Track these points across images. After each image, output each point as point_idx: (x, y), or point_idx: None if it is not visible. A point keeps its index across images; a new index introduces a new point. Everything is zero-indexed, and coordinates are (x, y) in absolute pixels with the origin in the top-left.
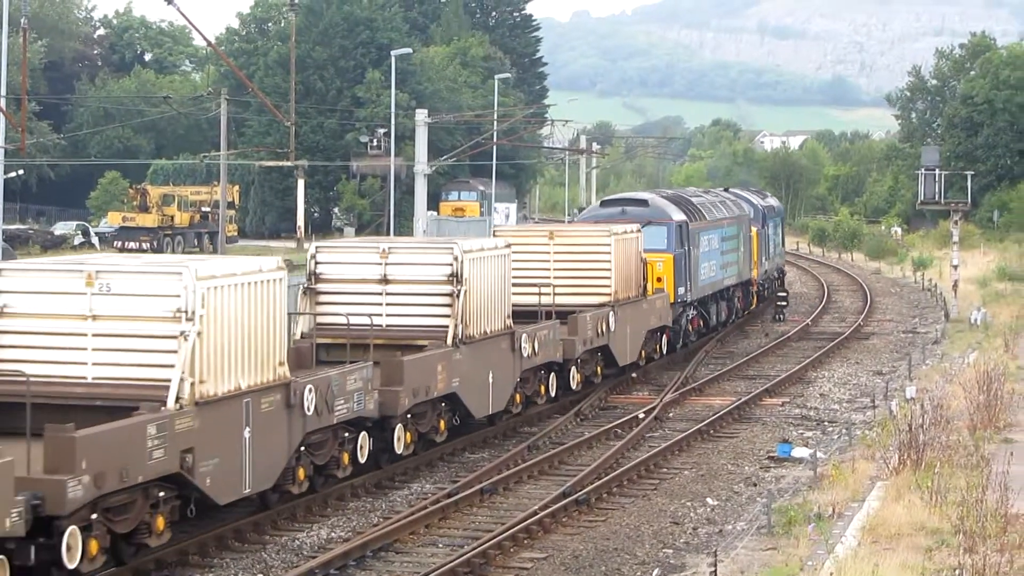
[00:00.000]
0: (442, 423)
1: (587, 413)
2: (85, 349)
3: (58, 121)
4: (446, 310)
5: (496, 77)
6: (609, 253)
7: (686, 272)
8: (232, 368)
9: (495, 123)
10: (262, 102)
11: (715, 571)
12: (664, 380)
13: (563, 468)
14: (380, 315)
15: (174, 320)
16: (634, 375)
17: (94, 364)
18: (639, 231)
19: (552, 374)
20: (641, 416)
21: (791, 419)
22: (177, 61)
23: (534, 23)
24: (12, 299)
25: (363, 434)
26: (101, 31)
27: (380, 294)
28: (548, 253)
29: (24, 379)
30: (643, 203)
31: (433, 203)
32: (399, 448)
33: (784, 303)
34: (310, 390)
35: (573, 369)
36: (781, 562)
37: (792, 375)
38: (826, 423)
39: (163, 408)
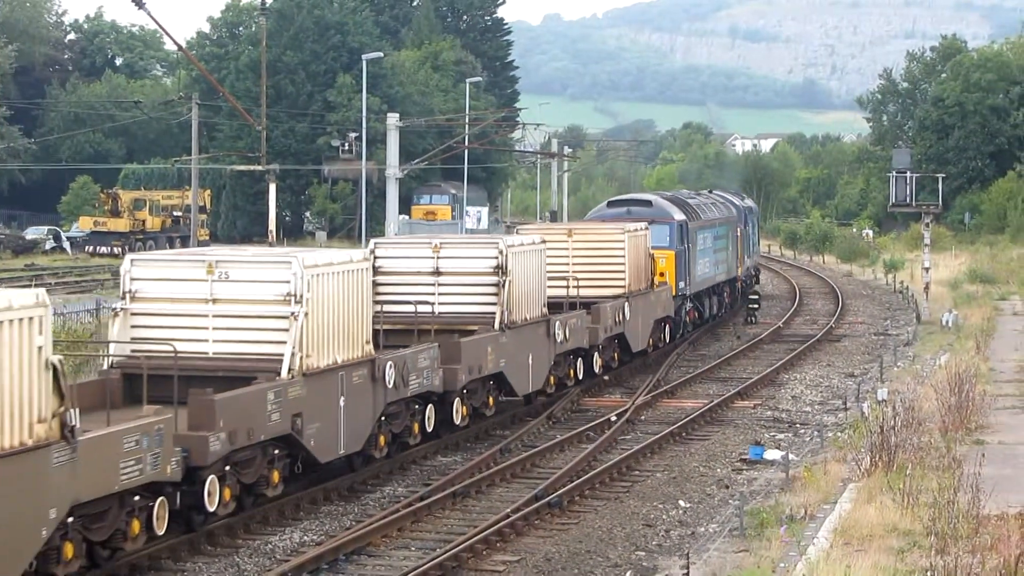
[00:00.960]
0: (491, 399)
1: (559, 416)
2: (206, 328)
3: (29, 126)
4: (493, 298)
5: (467, 81)
6: (623, 249)
7: (685, 268)
8: (330, 345)
9: (466, 127)
10: (233, 106)
11: (687, 573)
12: (636, 383)
13: (535, 471)
14: (433, 303)
15: (285, 303)
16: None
17: (214, 341)
18: (647, 229)
19: (579, 359)
20: (613, 419)
21: (763, 421)
22: (148, 65)
23: (505, 27)
24: (142, 285)
25: (430, 406)
26: (72, 35)
27: (433, 284)
28: (567, 249)
29: (173, 354)
30: (647, 204)
31: (405, 207)
32: (457, 419)
33: (756, 306)
34: (391, 366)
35: (596, 354)
36: (753, 564)
37: (764, 377)
38: (798, 425)
39: (277, 378)
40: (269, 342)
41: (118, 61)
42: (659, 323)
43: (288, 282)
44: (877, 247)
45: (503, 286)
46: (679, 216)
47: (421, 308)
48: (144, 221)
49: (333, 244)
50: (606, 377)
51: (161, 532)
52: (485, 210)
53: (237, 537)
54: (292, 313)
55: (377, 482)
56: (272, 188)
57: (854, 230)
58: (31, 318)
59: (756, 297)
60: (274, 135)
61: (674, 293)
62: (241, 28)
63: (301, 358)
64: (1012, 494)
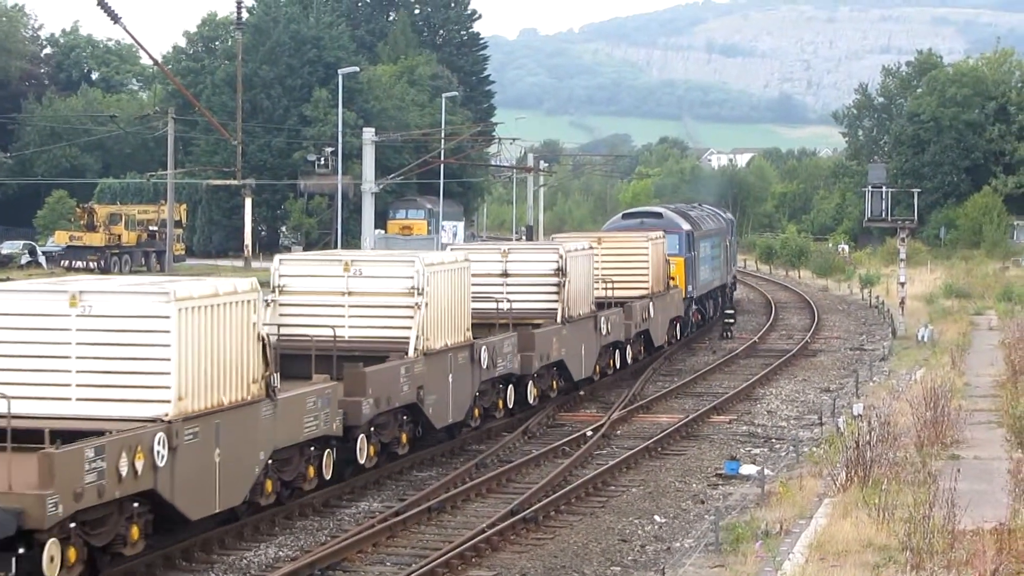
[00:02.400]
0: (555, 383)
1: (535, 431)
2: (343, 316)
3: (4, 140)
4: (555, 296)
5: (443, 96)
6: (647, 255)
7: (692, 273)
8: (443, 330)
9: (442, 141)
10: (209, 121)
11: None
12: (612, 398)
13: (511, 486)
14: (503, 300)
15: (409, 295)
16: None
17: (350, 327)
18: (663, 238)
19: (616, 350)
20: (589, 434)
21: (739, 436)
22: (124, 80)
23: (481, 41)
24: (288, 281)
25: (510, 386)
26: (48, 50)
27: (502, 284)
28: (597, 255)
29: (333, 339)
30: (658, 215)
31: (380, 221)
32: (530, 399)
33: (732, 320)
34: (485, 349)
35: (628, 347)
36: None
37: (740, 392)
38: (773, 440)
39: (406, 357)
40: (397, 327)
41: (94, 75)
42: (673, 321)
43: (412, 278)
44: (853, 262)
45: (563, 286)
46: (686, 227)
47: (484, 306)
48: (120, 236)
49: (119, 276)
50: (581, 392)
51: (328, 477)
52: (461, 225)
53: (212, 552)
54: (416, 303)
55: (352, 497)
56: (248, 203)
57: (830, 245)
58: (248, 300)
59: (732, 312)
60: (250, 150)
61: (684, 296)
62: (217, 43)
63: (423, 341)
64: (987, 509)
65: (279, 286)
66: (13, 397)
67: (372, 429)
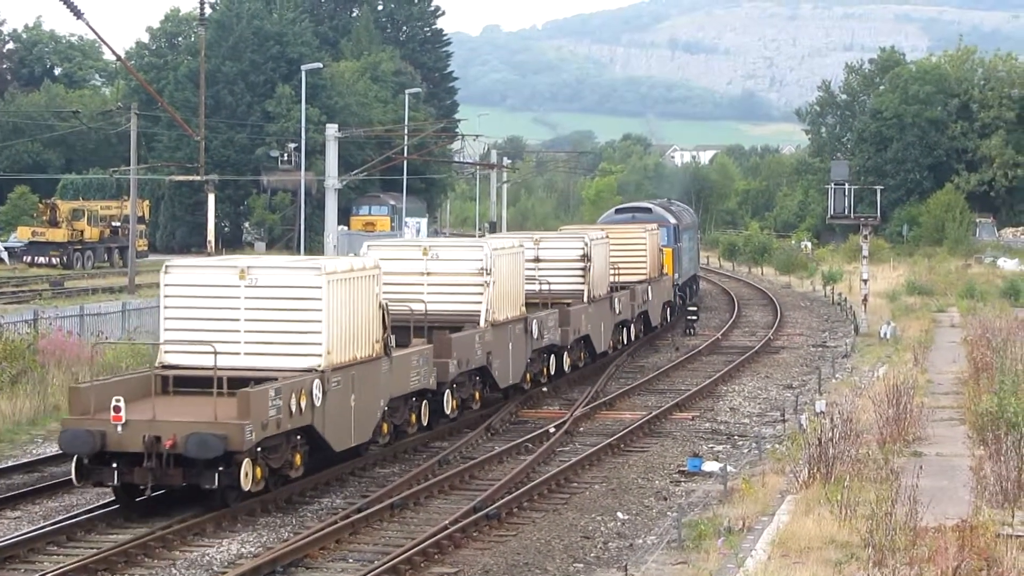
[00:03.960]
0: (582, 355)
1: (498, 428)
2: (422, 293)
3: None
4: (581, 279)
5: (407, 92)
6: (645, 244)
7: (678, 262)
8: (505, 305)
9: (406, 138)
10: (172, 117)
11: None
12: (575, 394)
13: (474, 483)
14: (536, 282)
15: (479, 275)
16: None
17: (428, 302)
18: (657, 230)
19: (625, 328)
20: (552, 431)
21: (701, 433)
22: (87, 75)
23: (445, 38)
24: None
25: (552, 356)
26: (10, 45)
27: (535, 268)
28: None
29: (424, 313)
30: (647, 210)
31: (344, 218)
32: (567, 368)
33: (694, 317)
34: (535, 322)
35: (632, 326)
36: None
37: (702, 389)
38: (736, 437)
39: (478, 326)
40: (469, 302)
41: (57, 71)
42: (665, 304)
43: (481, 260)
44: (815, 259)
45: (588, 270)
46: (672, 220)
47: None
48: (83, 231)
49: (272, 254)
50: (544, 390)
51: (425, 423)
52: (424, 221)
53: (174, 549)
54: (485, 282)
55: (315, 493)
56: (211, 198)
57: (792, 242)
58: (373, 275)
59: (695, 309)
60: (213, 145)
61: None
62: (180, 38)
63: (491, 313)
64: (949, 506)
65: None
66: (195, 352)
67: (454, 386)
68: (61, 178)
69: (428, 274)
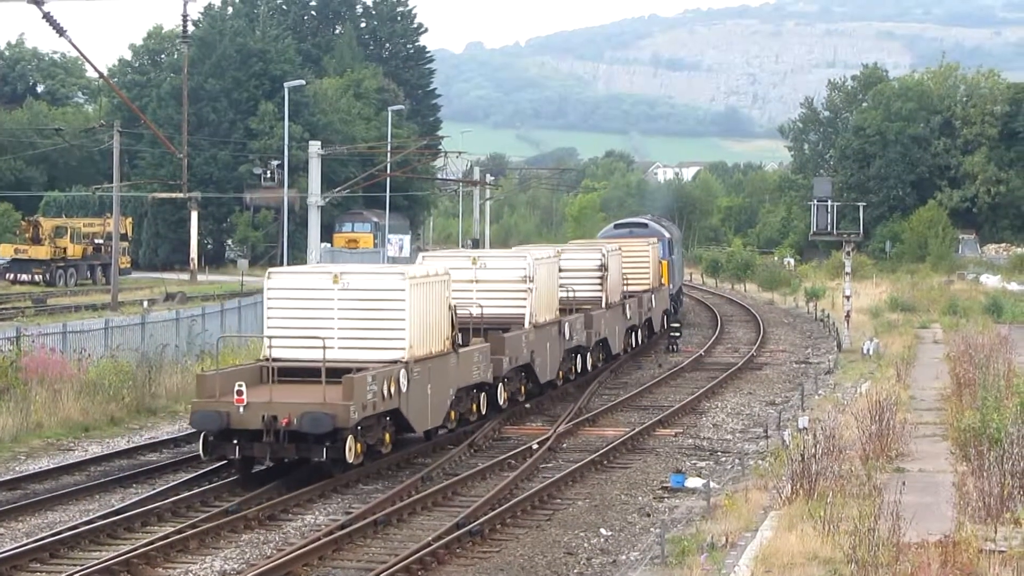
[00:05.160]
0: (602, 356)
1: (481, 444)
2: (472, 298)
3: None
4: (599, 286)
5: (390, 109)
6: (649, 256)
7: (672, 273)
8: (543, 309)
9: (388, 155)
10: (155, 134)
11: None
12: (558, 411)
13: (457, 499)
14: (561, 290)
15: (523, 282)
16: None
17: (478, 305)
18: (658, 243)
19: (633, 332)
20: (535, 447)
21: (684, 449)
22: (70, 93)
23: (428, 55)
24: None
25: (578, 355)
26: None
27: (527, 288)
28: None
29: (481, 316)
30: (644, 225)
31: (327, 235)
32: (588, 367)
33: (677, 334)
34: (568, 325)
35: (640, 330)
36: None
37: (685, 405)
38: (719, 453)
39: (523, 328)
40: (514, 306)
41: (39, 88)
42: (664, 312)
43: (525, 269)
44: (798, 275)
45: (605, 279)
46: (667, 234)
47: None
48: (65, 249)
49: (255, 272)
50: (527, 405)
51: (483, 412)
52: (407, 238)
53: (157, 566)
54: (528, 288)
55: (299, 510)
56: (194, 216)
57: (775, 258)
58: (444, 280)
59: (678, 325)
60: (196, 163)
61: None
62: (163, 55)
63: (533, 316)
64: (932, 522)
65: None
66: (295, 347)
67: (505, 380)
68: (44, 195)
69: (477, 281)
